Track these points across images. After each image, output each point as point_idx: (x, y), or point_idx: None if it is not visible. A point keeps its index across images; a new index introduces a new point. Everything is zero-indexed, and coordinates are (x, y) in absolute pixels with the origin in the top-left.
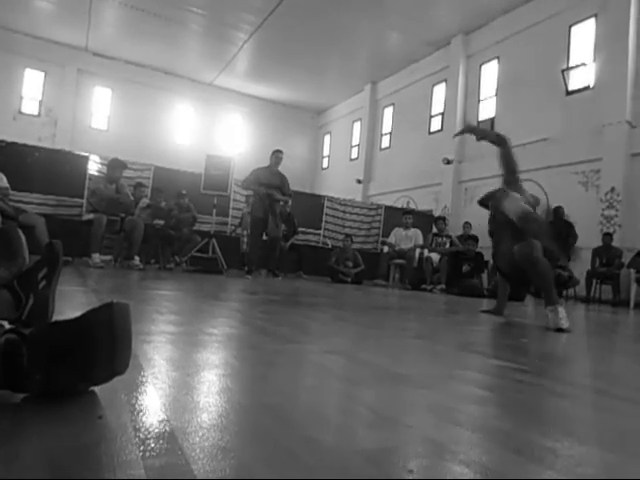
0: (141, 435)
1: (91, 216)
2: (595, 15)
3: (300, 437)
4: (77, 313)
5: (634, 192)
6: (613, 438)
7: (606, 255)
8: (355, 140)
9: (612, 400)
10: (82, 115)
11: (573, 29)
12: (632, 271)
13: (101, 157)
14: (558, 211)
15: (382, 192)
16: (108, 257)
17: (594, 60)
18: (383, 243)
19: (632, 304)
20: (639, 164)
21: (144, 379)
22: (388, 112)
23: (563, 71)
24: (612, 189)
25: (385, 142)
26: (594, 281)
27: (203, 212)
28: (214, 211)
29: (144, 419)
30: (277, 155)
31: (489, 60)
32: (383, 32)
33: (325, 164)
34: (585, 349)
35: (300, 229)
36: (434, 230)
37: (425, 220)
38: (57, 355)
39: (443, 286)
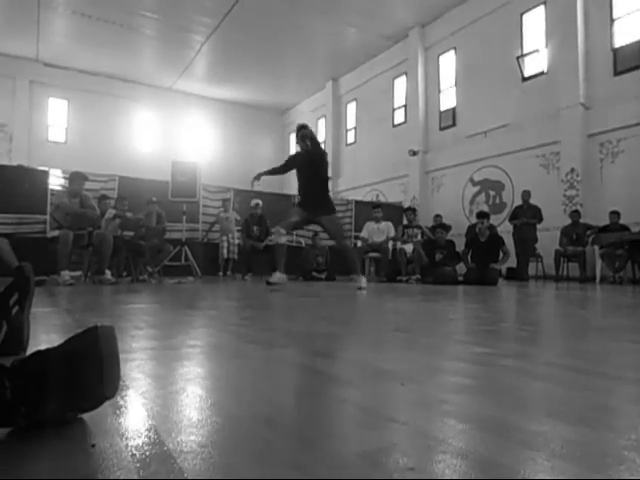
0: (138, 461)
1: (56, 233)
2: (544, 2)
3: (299, 444)
4: (52, 335)
5: (592, 171)
6: (596, 415)
7: (575, 232)
8: (321, 137)
9: (590, 377)
10: (38, 129)
11: (524, 17)
12: (596, 248)
13: (62, 171)
14: (524, 195)
15: (351, 187)
16: (77, 273)
17: (546, 46)
18: (356, 238)
19: (598, 279)
20: (595, 144)
21: (133, 400)
22: (351, 107)
23: (518, 58)
24: (572, 170)
25: (350, 137)
26: (562, 260)
27: (173, 220)
28: (184, 218)
29: (139, 443)
30: (302, 132)
31: (446, 51)
32: (340, 28)
33: None
34: (559, 328)
35: (272, 230)
36: (404, 222)
37: (396, 212)
38: (43, 385)
39: (418, 276)
